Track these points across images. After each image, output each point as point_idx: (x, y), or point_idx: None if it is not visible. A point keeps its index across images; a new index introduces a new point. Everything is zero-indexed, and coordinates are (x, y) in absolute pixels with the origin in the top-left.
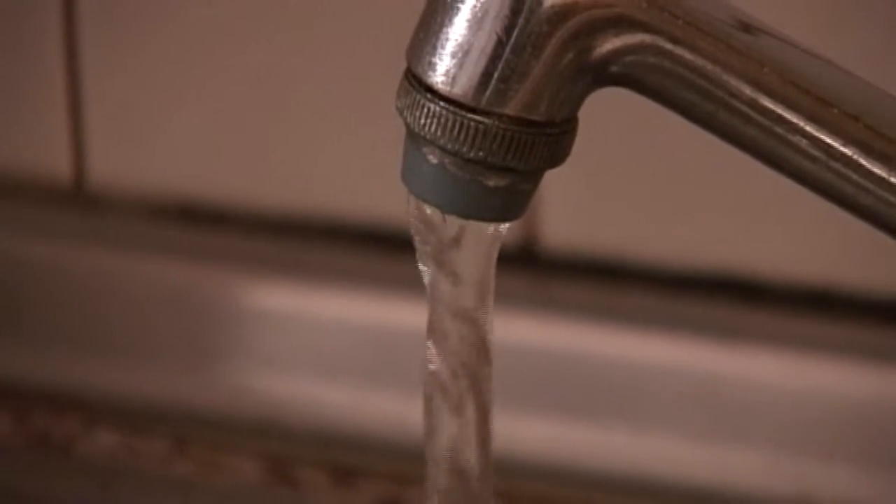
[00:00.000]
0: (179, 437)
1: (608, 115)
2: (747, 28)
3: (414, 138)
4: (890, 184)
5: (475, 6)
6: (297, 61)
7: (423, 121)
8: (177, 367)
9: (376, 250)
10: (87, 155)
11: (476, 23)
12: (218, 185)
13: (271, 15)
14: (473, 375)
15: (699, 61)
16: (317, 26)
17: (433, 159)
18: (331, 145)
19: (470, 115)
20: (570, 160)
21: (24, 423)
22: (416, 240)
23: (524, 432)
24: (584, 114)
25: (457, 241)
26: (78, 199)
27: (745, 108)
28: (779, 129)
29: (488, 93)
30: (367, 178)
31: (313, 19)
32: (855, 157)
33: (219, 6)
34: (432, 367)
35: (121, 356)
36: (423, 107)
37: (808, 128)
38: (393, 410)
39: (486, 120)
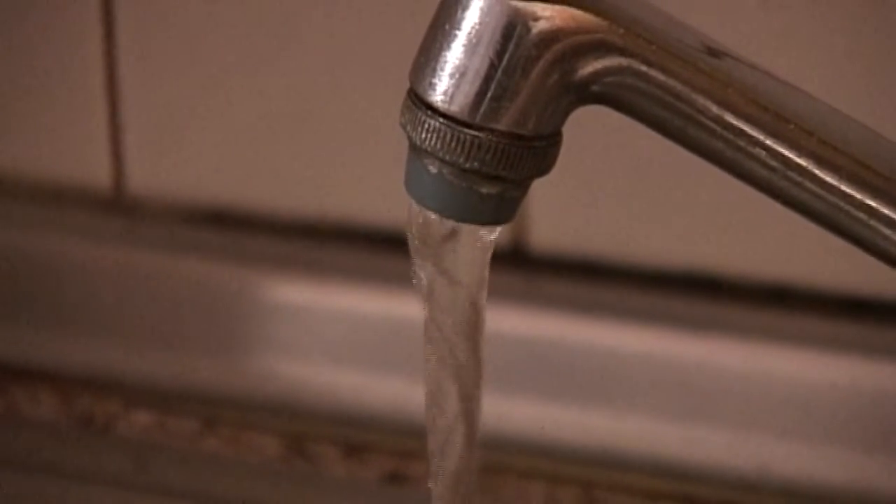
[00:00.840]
0: (208, 417)
1: (590, 130)
2: (713, 52)
3: (416, 151)
4: (840, 191)
5: (470, 33)
6: (315, 82)
7: (423, 135)
8: (205, 354)
9: (383, 250)
10: (125, 164)
11: (471, 48)
12: (243, 193)
13: (295, 39)
14: (466, 363)
15: (671, 82)
16: (334, 52)
17: (433, 169)
18: (341, 158)
19: (466, 130)
20: (555, 170)
21: (70, 405)
22: (416, 241)
23: (513, 412)
24: (568, 129)
25: (454, 242)
26: (117, 205)
27: (711, 124)
28: (741, 143)
29: (482, 110)
30: (375, 185)
31: (332, 45)
32: (809, 167)
33: (248, 28)
34: (430, 356)
35: (156, 345)
36: (423, 123)
37: (768, 141)
38: (397, 393)
39: (480, 134)
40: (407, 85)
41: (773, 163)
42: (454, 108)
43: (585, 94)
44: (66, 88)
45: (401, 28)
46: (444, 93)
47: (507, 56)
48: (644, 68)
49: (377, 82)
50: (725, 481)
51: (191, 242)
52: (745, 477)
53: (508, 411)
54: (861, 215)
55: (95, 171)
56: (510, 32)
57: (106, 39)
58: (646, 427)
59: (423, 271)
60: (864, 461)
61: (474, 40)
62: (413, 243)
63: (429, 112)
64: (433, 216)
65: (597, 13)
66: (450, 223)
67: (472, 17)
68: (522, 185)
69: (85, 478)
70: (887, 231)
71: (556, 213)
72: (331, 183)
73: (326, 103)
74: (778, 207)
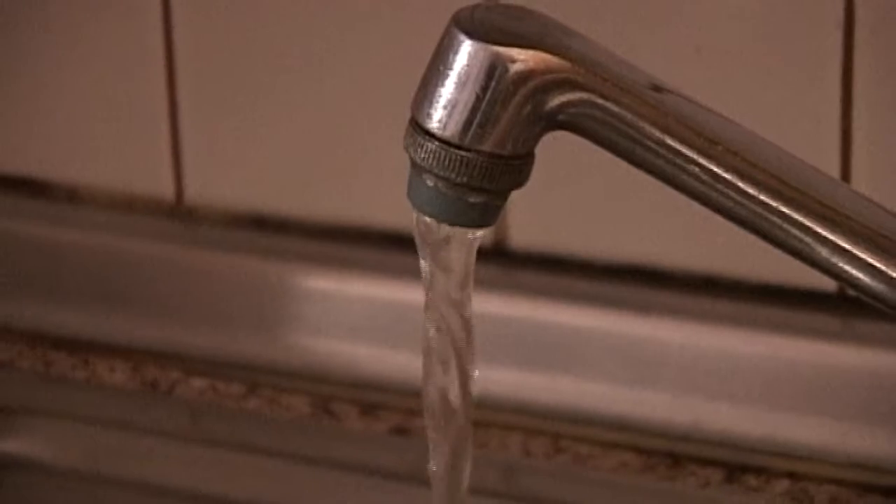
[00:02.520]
0: (250, 383)
1: (558, 152)
2: (657, 88)
3: (416, 168)
4: (759, 200)
5: (460, 73)
6: (335, 114)
7: (422, 155)
8: (248, 332)
9: (393, 248)
10: (184, 180)
11: (461, 85)
12: (279, 202)
13: (322, 79)
14: (458, 339)
15: (622, 112)
16: (353, 90)
17: (430, 183)
18: (359, 173)
19: (457, 151)
20: (529, 183)
21: (139, 373)
22: (418, 240)
23: (495, 378)
24: (539, 150)
25: (447, 241)
26: (178, 213)
27: (654, 146)
28: (679, 161)
29: (470, 135)
30: (386, 196)
31: (350, 84)
32: (733, 180)
33: (284, 67)
34: (429, 333)
35: (209, 325)
36: (422, 145)
37: (700, 160)
38: (403, 363)
39: (468, 155)
40: (409, 114)
41: (705, 177)
42: (447, 134)
43: (553, 122)
44: (137, 118)
45: (406, 69)
46: (439, 121)
47: (489, 91)
48: (600, 101)
49: (386, 113)
50: (666, 434)
51: (237, 242)
52: (681, 431)
53: (491, 377)
54: (775, 219)
55: (161, 185)
56: (492, 72)
57: (169, 81)
58: (602, 390)
59: (424, 263)
60: (778, 418)
61: (463, 78)
62: (417, 242)
63: (426, 137)
64: (430, 221)
65: (562, 57)
66: (444, 226)
67: (461, 60)
68: (503, 196)
69: (151, 432)
70: (796, 232)
71: (530, 217)
72: (350, 194)
73: (346, 130)
74: (708, 212)
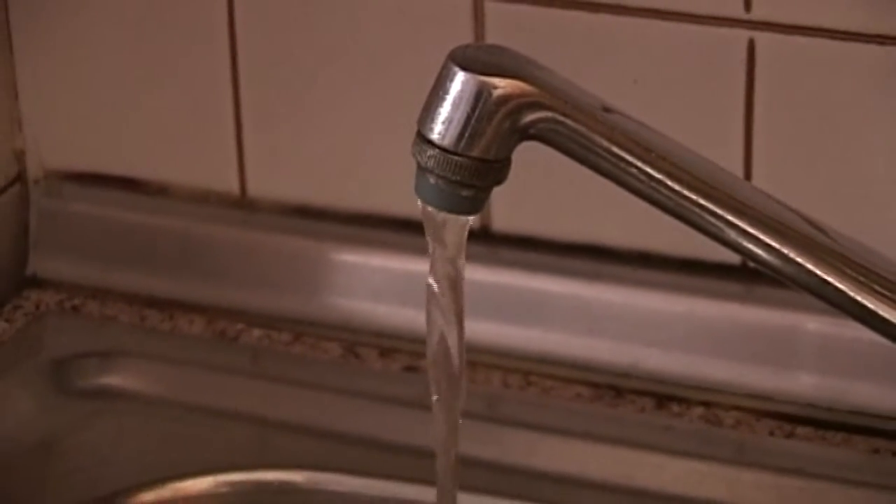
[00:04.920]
0: (296, 332)
1: (528, 156)
2: (607, 109)
3: (421, 169)
4: (682, 194)
5: (455, 96)
6: (367, 125)
7: (426, 159)
8: (295, 294)
9: (406, 230)
10: (247, 176)
11: (455, 105)
12: (320, 194)
13: (354, 96)
14: (453, 296)
15: (579, 127)
16: (379, 107)
17: (432, 181)
18: (380, 174)
19: (453, 157)
20: (508, 180)
21: (211, 325)
22: (425, 225)
23: (480, 329)
24: (515, 155)
25: (444, 225)
26: (242, 203)
27: (603, 154)
28: (622, 165)
29: (462, 144)
30: (401, 190)
31: (375, 104)
32: (664, 179)
33: (323, 91)
34: (432, 292)
35: (265, 288)
36: (426, 152)
37: (639, 164)
38: (412, 316)
39: (461, 159)
40: (416, 128)
41: (642, 177)
42: (445, 143)
43: (526, 134)
44: (210, 130)
45: (414, 94)
46: (439, 133)
47: (477, 111)
48: (562, 119)
49: (400, 128)
50: (611, 372)
51: (286, 226)
52: (622, 369)
53: (477, 329)
54: (695, 209)
55: (229, 182)
56: (479, 96)
57: (235, 101)
58: (562, 339)
59: (428, 241)
60: (696, 360)
61: (457, 101)
62: (424, 225)
63: (429, 145)
64: (432, 210)
65: (533, 84)
66: (442, 214)
67: (456, 87)
68: (487, 190)
69: (220, 370)
70: (710, 218)
71: (508, 207)
72: (372, 189)
73: (369, 140)
74: (643, 203)
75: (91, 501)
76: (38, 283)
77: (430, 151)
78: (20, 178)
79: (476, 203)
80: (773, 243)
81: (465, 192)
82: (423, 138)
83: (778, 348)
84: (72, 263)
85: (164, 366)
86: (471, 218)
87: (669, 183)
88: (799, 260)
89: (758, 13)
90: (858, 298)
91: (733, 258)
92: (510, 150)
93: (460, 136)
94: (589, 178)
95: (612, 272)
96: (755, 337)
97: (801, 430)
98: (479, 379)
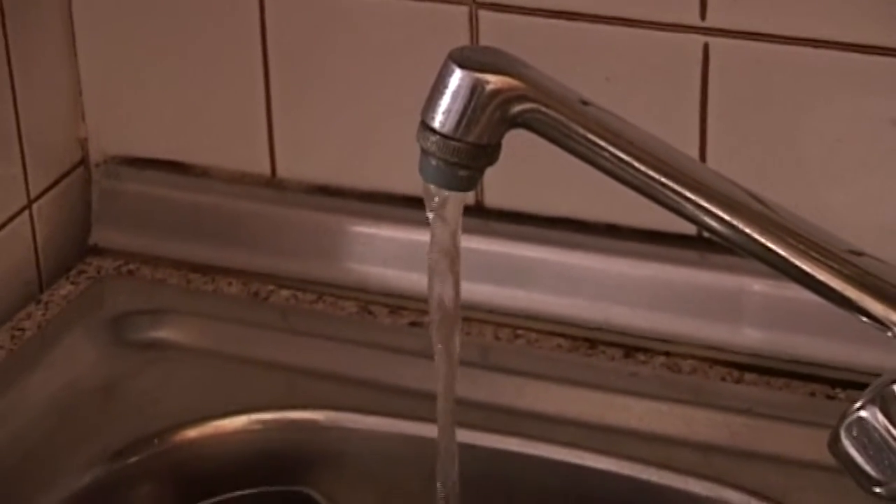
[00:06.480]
0: (319, 293)
1: (517, 142)
2: (584, 102)
3: (424, 153)
4: (647, 174)
5: (454, 90)
6: (379, 116)
7: (428, 144)
8: (318, 259)
9: (410, 205)
10: (276, 159)
11: (454, 97)
12: (339, 175)
13: (375, 89)
14: (451, 262)
15: (559, 117)
16: (389, 100)
17: (433, 163)
18: (389, 157)
19: (451, 142)
20: (498, 161)
21: (247, 287)
22: (426, 201)
23: (475, 290)
24: (505, 141)
25: (444, 201)
26: (272, 183)
27: (581, 140)
28: (596, 150)
29: (460, 131)
30: (409, 171)
31: (387, 96)
32: (631, 161)
33: (343, 86)
34: (433, 260)
35: (293, 255)
36: (428, 138)
37: (610, 148)
38: (416, 279)
39: (459, 144)
40: (420, 118)
41: (613, 160)
42: (445, 130)
43: (514, 123)
44: (245, 120)
45: (419, 88)
46: (440, 122)
47: (472, 103)
48: (545, 110)
49: (407, 117)
50: (586, 326)
51: (310, 203)
52: (596, 324)
53: (472, 289)
54: (657, 186)
55: (261, 165)
56: (474, 90)
57: (266, 96)
58: (545, 298)
59: (430, 215)
60: (658, 317)
61: (455, 93)
62: (426, 201)
63: (431, 132)
64: (433, 188)
65: (520, 80)
66: (443, 191)
67: (454, 82)
68: (482, 171)
69: (255, 325)
70: (670, 194)
71: (499, 185)
72: (382, 170)
73: (380, 128)
74: (614, 182)
75: (144, 436)
76: (98, 251)
77: (432, 137)
78: (83, 162)
79: (471, 182)
80: (725, 216)
81: (462, 173)
82: (425, 126)
83: (728, 306)
84: (127, 235)
85: (206, 321)
86: (468, 194)
87: (636, 164)
88: (747, 230)
89: (712, 21)
90: (797, 263)
91: (690, 229)
92: (500, 137)
93: (458, 124)
94: (568, 161)
95: (588, 242)
96: (709, 297)
97: (748, 376)
98: (473, 332)
